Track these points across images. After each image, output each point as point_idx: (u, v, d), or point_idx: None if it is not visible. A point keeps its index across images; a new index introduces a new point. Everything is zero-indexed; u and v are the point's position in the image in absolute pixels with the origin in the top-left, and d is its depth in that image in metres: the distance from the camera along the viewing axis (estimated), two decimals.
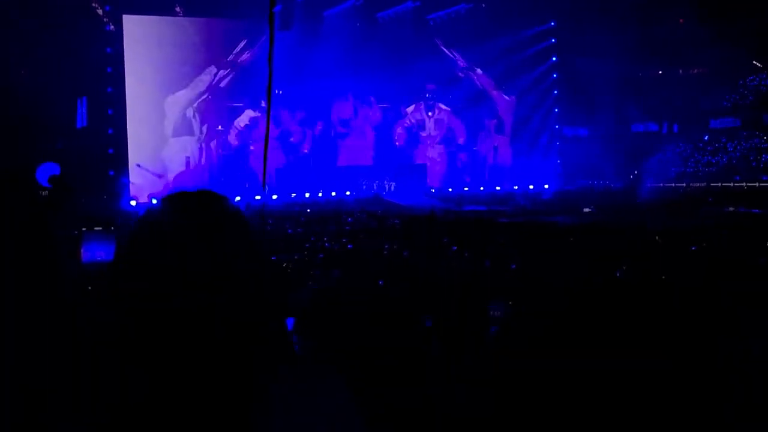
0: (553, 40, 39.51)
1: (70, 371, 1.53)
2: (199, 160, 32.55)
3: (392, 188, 35.00)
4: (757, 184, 35.57)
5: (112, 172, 29.74)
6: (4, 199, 1.58)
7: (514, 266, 12.51)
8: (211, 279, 1.54)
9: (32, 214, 1.60)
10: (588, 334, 2.96)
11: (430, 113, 38.23)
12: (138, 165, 30.85)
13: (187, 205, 1.64)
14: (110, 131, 30.07)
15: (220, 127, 32.93)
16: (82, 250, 8.09)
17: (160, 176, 31.30)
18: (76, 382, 1.52)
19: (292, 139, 34.63)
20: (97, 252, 8.21)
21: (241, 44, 32.25)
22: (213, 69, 32.49)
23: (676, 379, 3.15)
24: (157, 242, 1.60)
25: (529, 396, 2.70)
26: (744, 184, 36.10)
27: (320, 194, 32.96)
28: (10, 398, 1.46)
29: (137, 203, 29.54)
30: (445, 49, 36.91)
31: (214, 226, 1.62)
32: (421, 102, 38.05)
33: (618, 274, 10.89)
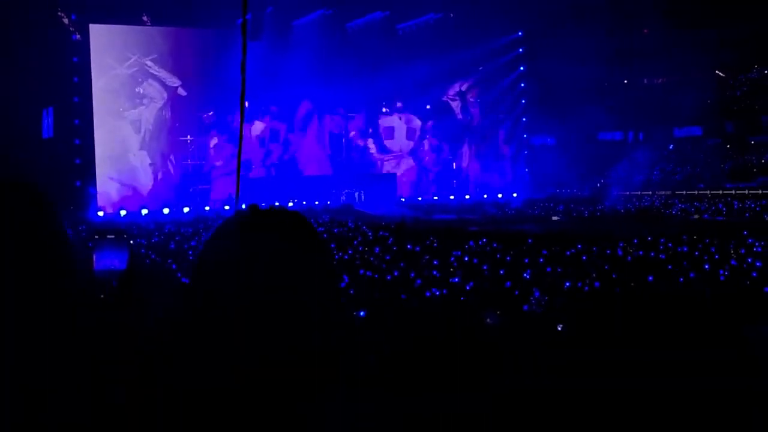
0: (521, 50, 39.89)
1: (70, 373, 1.52)
2: (167, 171, 32.32)
3: (362, 197, 35.01)
4: (720, 192, 36.10)
5: (78, 183, 29.43)
6: (21, 205, 1.57)
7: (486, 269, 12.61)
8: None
9: (46, 220, 1.59)
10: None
11: (399, 121, 38.40)
12: (111, 178, 30.64)
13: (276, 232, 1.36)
14: (77, 141, 29.77)
15: (189, 137, 32.74)
16: (94, 258, 8.01)
17: (129, 187, 31.08)
18: (76, 383, 1.51)
19: (259, 149, 34.59)
20: (109, 260, 8.13)
21: (209, 53, 32.13)
22: (181, 78, 32.32)
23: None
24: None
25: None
26: (708, 191, 36.63)
27: (290, 204, 32.85)
28: (9, 398, 1.46)
29: (104, 214, 29.26)
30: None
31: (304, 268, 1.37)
32: (394, 112, 38.23)
33: (589, 282, 11.02)
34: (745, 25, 38.24)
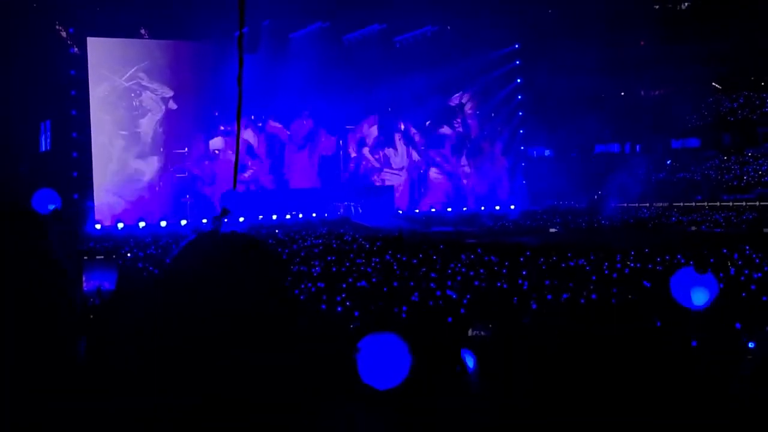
0: (517, 62, 39.99)
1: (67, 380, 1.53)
2: (162, 183, 32.29)
3: (359, 210, 35.01)
4: (718, 204, 36.14)
5: (76, 196, 29.38)
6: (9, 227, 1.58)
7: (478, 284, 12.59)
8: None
9: (34, 241, 1.60)
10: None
11: (396, 136, 38.48)
12: (108, 191, 30.61)
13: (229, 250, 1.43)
14: (74, 154, 29.74)
15: (186, 149, 32.76)
16: (83, 278, 8.01)
17: (126, 199, 31.07)
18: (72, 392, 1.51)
19: (255, 162, 34.60)
20: (97, 280, 8.13)
21: (207, 66, 32.20)
22: (178, 90, 32.35)
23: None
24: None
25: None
26: (705, 203, 36.67)
27: (288, 216, 32.81)
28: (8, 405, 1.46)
29: (102, 226, 29.22)
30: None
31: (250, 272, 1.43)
32: (392, 128, 38.38)
33: (585, 295, 11.00)
34: (741, 37, 38.42)
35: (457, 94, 39.26)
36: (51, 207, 3.25)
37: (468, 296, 10.87)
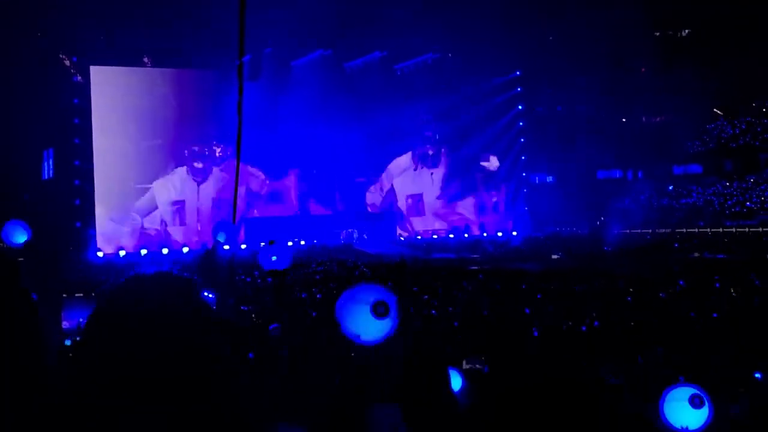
0: (519, 89, 40.14)
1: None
2: (166, 211, 32.32)
3: (362, 236, 34.98)
4: (721, 230, 36.05)
5: (78, 224, 29.43)
6: None
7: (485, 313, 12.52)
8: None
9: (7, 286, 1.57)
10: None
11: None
12: (111, 219, 30.63)
13: (152, 293, 1.39)
14: (77, 182, 29.80)
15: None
16: (63, 317, 8.00)
17: (128, 227, 31.08)
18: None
19: (257, 188, 34.62)
20: (78, 318, 8.12)
21: (209, 95, 32.39)
22: (181, 118, 32.47)
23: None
24: (121, 332, 1.37)
25: None
26: (708, 229, 36.58)
27: (290, 243, 32.71)
28: None
29: (104, 255, 29.19)
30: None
31: (177, 320, 1.38)
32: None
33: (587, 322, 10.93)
34: (742, 63, 38.54)
35: (458, 121, 39.32)
36: (22, 240, 3.23)
37: (468, 323, 10.81)
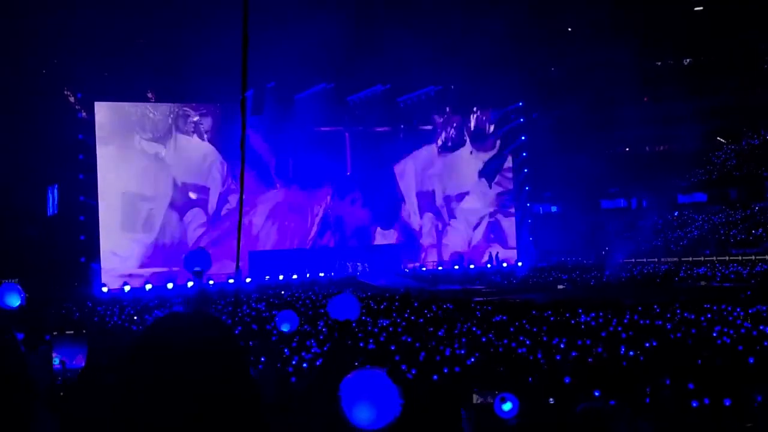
0: (521, 120, 40.22)
1: None
2: (172, 244, 32.29)
3: (366, 269, 34.93)
4: (726, 258, 35.88)
5: (83, 259, 29.42)
6: None
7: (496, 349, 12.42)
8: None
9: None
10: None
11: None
12: (115, 254, 30.62)
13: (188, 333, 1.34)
14: (81, 218, 29.81)
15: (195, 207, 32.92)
16: (53, 356, 7.96)
17: (133, 262, 31.06)
18: None
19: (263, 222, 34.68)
20: (68, 357, 8.07)
21: (213, 128, 32.57)
22: (183, 152, 32.63)
23: None
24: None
25: None
26: (714, 257, 36.42)
27: (294, 276, 32.58)
28: None
29: (109, 290, 29.10)
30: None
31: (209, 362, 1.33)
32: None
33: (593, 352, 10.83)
34: (744, 91, 38.71)
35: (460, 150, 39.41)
36: (16, 304, 3.22)
37: (475, 356, 10.72)
